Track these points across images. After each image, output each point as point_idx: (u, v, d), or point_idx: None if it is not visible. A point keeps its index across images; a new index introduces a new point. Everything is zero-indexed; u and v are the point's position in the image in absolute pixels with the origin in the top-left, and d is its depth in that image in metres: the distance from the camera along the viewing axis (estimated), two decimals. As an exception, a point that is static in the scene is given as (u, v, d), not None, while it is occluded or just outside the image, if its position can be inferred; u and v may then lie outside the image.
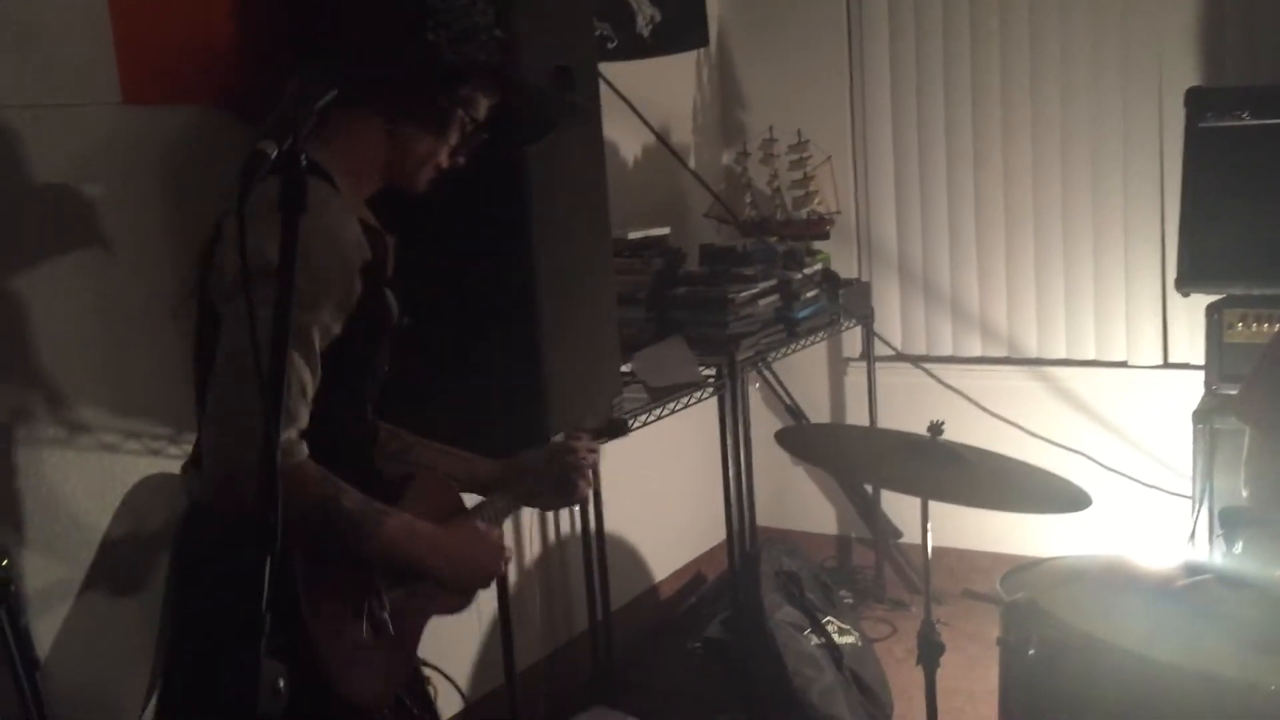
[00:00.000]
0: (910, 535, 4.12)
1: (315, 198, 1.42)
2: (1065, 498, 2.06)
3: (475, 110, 1.65)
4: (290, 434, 1.43)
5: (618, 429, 2.16)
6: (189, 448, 2.39)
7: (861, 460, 2.17)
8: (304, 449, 1.47)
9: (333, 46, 1.61)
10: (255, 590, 0.99)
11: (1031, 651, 1.95)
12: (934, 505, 2.11)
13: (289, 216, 1.08)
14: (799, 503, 4.41)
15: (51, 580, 2.17)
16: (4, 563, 1.77)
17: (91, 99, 2.20)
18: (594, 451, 2.03)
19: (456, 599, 1.77)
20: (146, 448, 2.33)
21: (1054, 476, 2.16)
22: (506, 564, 1.72)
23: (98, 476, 2.24)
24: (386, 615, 1.58)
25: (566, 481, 1.98)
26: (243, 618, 0.99)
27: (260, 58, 2.37)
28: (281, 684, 1.00)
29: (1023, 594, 2.00)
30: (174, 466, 2.38)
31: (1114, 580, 2.22)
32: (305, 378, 1.46)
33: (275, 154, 1.06)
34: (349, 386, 1.58)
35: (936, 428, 2.10)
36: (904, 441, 2.15)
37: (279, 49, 2.34)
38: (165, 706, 1.65)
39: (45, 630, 2.13)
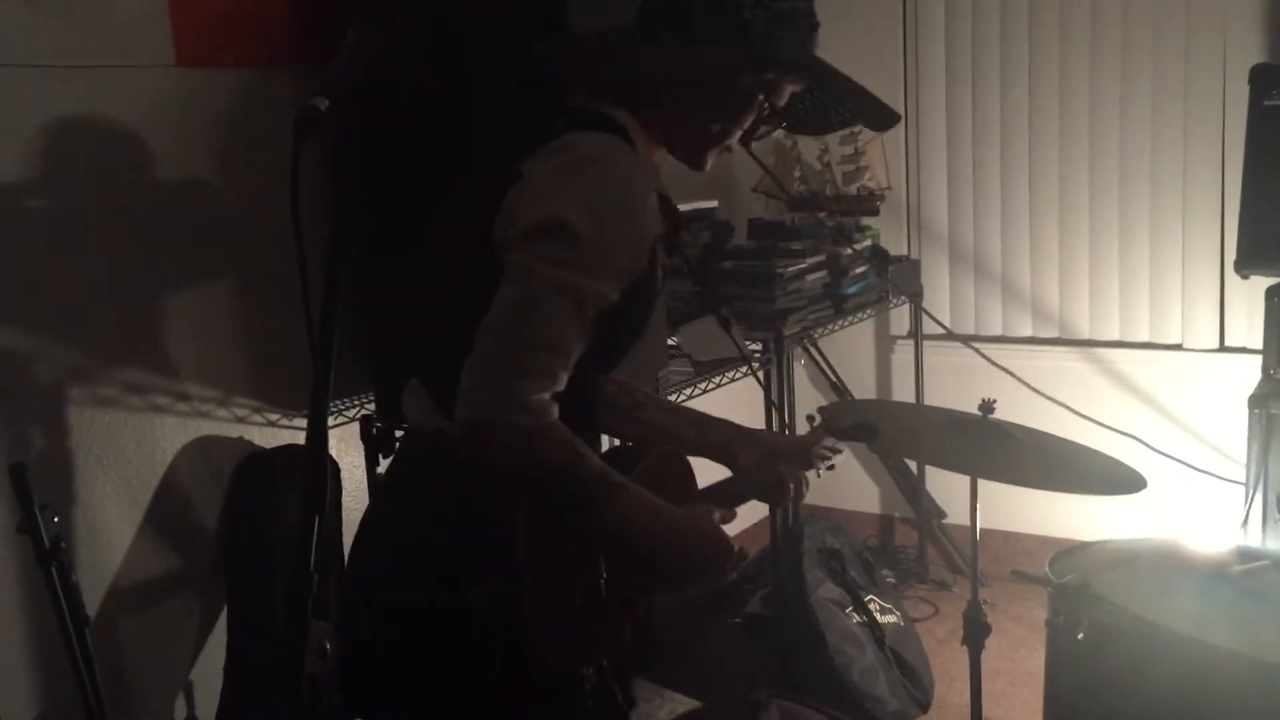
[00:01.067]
0: (954, 516, 4.08)
1: (622, 162, 1.43)
2: (1118, 479, 2.01)
3: (778, 97, 1.57)
4: (543, 394, 1.39)
5: (868, 434, 1.98)
6: (237, 410, 2.43)
7: (909, 436, 2.14)
8: (554, 410, 1.41)
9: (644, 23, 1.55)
10: (303, 551, 0.98)
11: (1081, 635, 1.92)
12: (981, 486, 2.08)
13: (341, 171, 1.06)
14: (842, 480, 4.37)
15: (100, 539, 2.19)
16: (55, 520, 1.79)
17: (146, 61, 2.21)
18: (839, 451, 1.92)
19: (674, 584, 1.64)
20: (195, 410, 2.35)
21: (1107, 457, 2.12)
22: (736, 562, 1.57)
23: (147, 437, 2.26)
24: (602, 583, 1.51)
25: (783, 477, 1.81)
26: (294, 577, 0.98)
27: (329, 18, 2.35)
28: (328, 645, 1.00)
29: (1073, 576, 1.97)
30: (221, 429, 2.41)
31: (1166, 564, 2.18)
32: (571, 343, 1.40)
33: (325, 107, 1.05)
34: (599, 353, 1.50)
35: (987, 405, 2.07)
36: (953, 419, 2.11)
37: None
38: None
39: (94, 587, 2.16)
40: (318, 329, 1.03)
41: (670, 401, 1.87)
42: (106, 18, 2.14)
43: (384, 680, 1.46)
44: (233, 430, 2.43)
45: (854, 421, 1.92)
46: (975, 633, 2.12)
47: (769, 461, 1.80)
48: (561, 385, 1.41)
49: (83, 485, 2.15)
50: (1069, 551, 2.24)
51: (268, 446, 2.47)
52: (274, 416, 2.49)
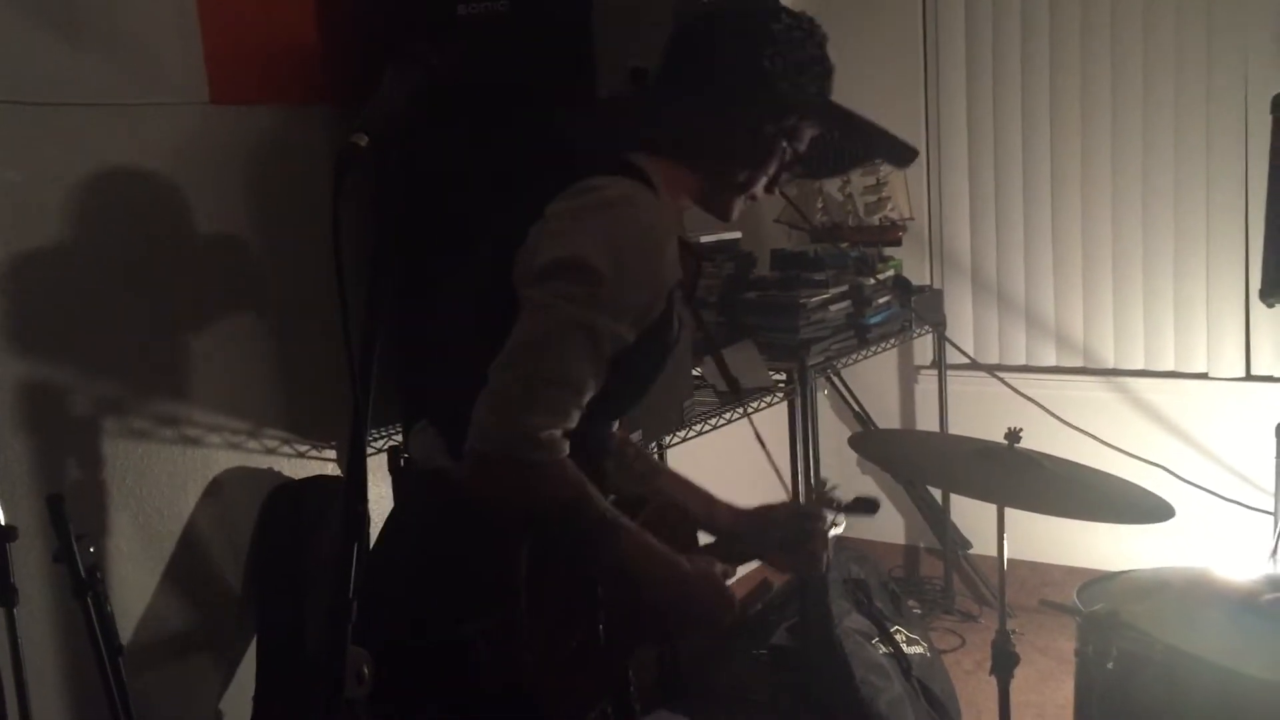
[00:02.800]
0: (980, 546, 4.06)
1: (643, 205, 1.45)
2: (1146, 508, 2.01)
3: (799, 142, 1.61)
4: (555, 431, 1.40)
5: (868, 507, 1.98)
6: (267, 441, 2.45)
7: (936, 466, 2.15)
8: (565, 447, 1.42)
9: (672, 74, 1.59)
10: (343, 578, 1.00)
11: (1111, 664, 1.91)
12: (1007, 516, 2.08)
13: (384, 209, 1.09)
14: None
15: (135, 568, 2.22)
16: (90, 550, 1.82)
17: (180, 99, 2.25)
18: (837, 525, 1.90)
19: (673, 630, 1.67)
20: (227, 441, 2.38)
21: (1134, 486, 2.12)
22: (730, 615, 1.56)
23: (180, 468, 2.29)
24: (601, 629, 1.51)
25: (801, 547, 1.80)
26: (332, 604, 1.00)
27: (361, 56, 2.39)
28: (366, 671, 1.01)
29: (1102, 605, 1.96)
30: (254, 460, 2.44)
31: (1195, 594, 2.17)
32: (586, 381, 1.42)
33: (365, 144, 1.08)
34: (611, 397, 1.50)
35: (1014, 435, 2.07)
36: (980, 448, 2.12)
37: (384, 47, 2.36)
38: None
39: (128, 617, 2.18)
40: (358, 360, 1.05)
41: (684, 478, 1.88)
42: (142, 57, 2.18)
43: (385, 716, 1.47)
44: (263, 462, 2.45)
45: (856, 496, 1.93)
46: (1004, 663, 2.11)
47: (790, 517, 1.83)
48: (573, 423, 1.42)
49: (116, 516, 2.18)
50: (1097, 581, 2.23)
51: (297, 478, 2.50)
52: (303, 448, 2.52)
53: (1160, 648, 1.88)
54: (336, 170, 1.05)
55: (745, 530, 1.81)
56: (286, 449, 2.49)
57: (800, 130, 1.59)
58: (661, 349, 1.53)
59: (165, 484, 2.27)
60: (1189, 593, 2.14)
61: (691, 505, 1.80)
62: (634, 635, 1.58)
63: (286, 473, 2.50)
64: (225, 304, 2.37)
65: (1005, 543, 2.12)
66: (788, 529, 1.81)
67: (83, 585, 1.78)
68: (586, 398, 1.43)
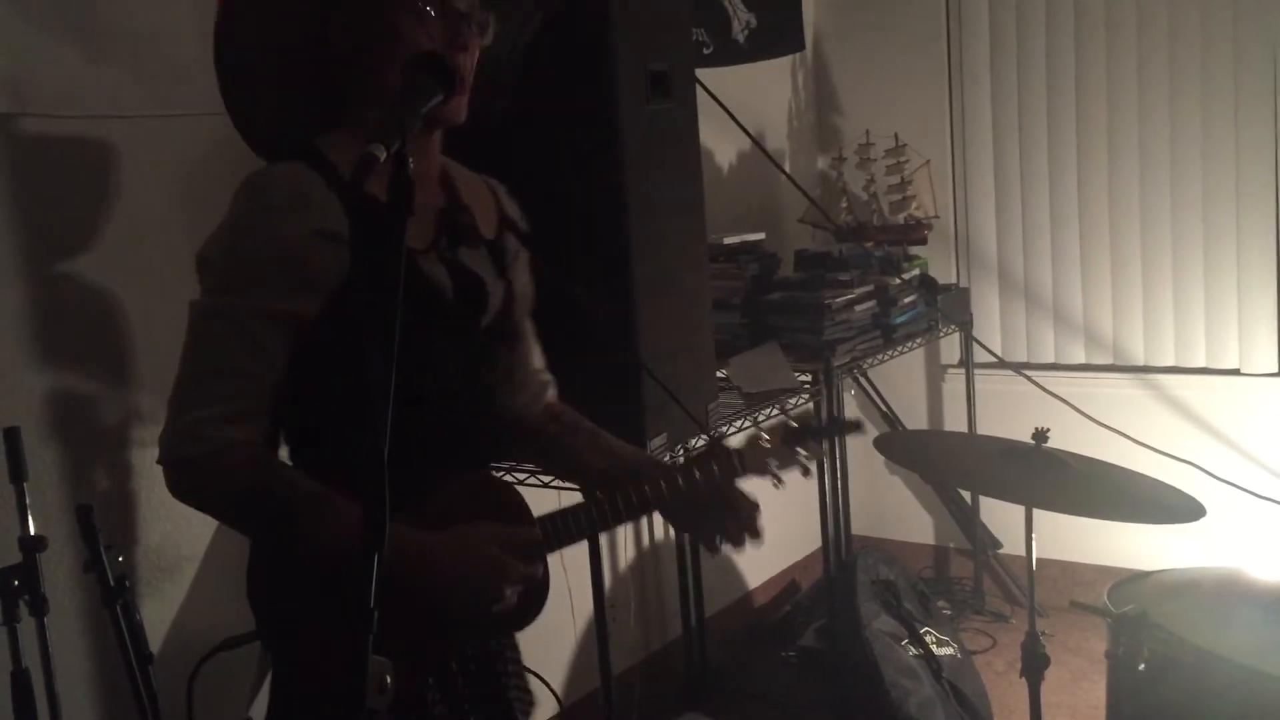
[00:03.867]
0: (1010, 546, 4.03)
1: (265, 179, 1.46)
2: (1176, 507, 1.99)
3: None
4: (220, 423, 1.38)
5: (842, 429, 1.73)
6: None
7: (963, 467, 2.13)
8: (235, 435, 1.38)
9: None
10: (364, 586, 1.00)
11: (1142, 666, 1.89)
12: (1037, 515, 2.06)
13: (396, 218, 1.09)
14: (894, 511, 4.35)
15: (163, 577, 2.23)
16: (120, 560, 1.83)
17: (202, 109, 2.26)
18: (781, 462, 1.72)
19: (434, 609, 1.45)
20: (253, 449, 2.39)
21: (1165, 485, 2.10)
22: (511, 590, 1.43)
23: (207, 477, 2.30)
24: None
25: (719, 510, 1.66)
26: (351, 614, 1.00)
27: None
28: (388, 680, 1.02)
29: (1133, 606, 1.94)
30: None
31: (1227, 594, 2.15)
32: (241, 362, 1.38)
33: (384, 156, 1.08)
34: (340, 371, 1.38)
35: (1041, 434, 2.06)
36: (1008, 448, 2.10)
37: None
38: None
39: (156, 625, 2.20)
40: (379, 368, 1.05)
41: (593, 428, 1.77)
42: (165, 68, 2.20)
43: None
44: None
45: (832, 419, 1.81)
46: (1034, 665, 2.10)
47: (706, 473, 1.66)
48: (248, 410, 1.39)
49: (144, 526, 2.20)
50: (1127, 581, 2.21)
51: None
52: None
53: (1191, 650, 1.86)
54: (354, 178, 1.06)
55: (611, 479, 1.63)
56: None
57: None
58: (373, 305, 1.20)
59: (193, 492, 2.28)
60: (1220, 593, 2.12)
61: (592, 460, 1.71)
62: (402, 628, 1.35)
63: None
64: (250, 313, 2.38)
65: (1034, 543, 2.10)
66: (713, 478, 1.66)
67: (112, 594, 1.79)
68: (258, 380, 1.40)
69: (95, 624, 2.05)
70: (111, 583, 1.80)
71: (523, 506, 1.57)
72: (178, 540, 2.25)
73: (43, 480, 2.01)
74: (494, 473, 1.67)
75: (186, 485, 1.43)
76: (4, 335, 1.99)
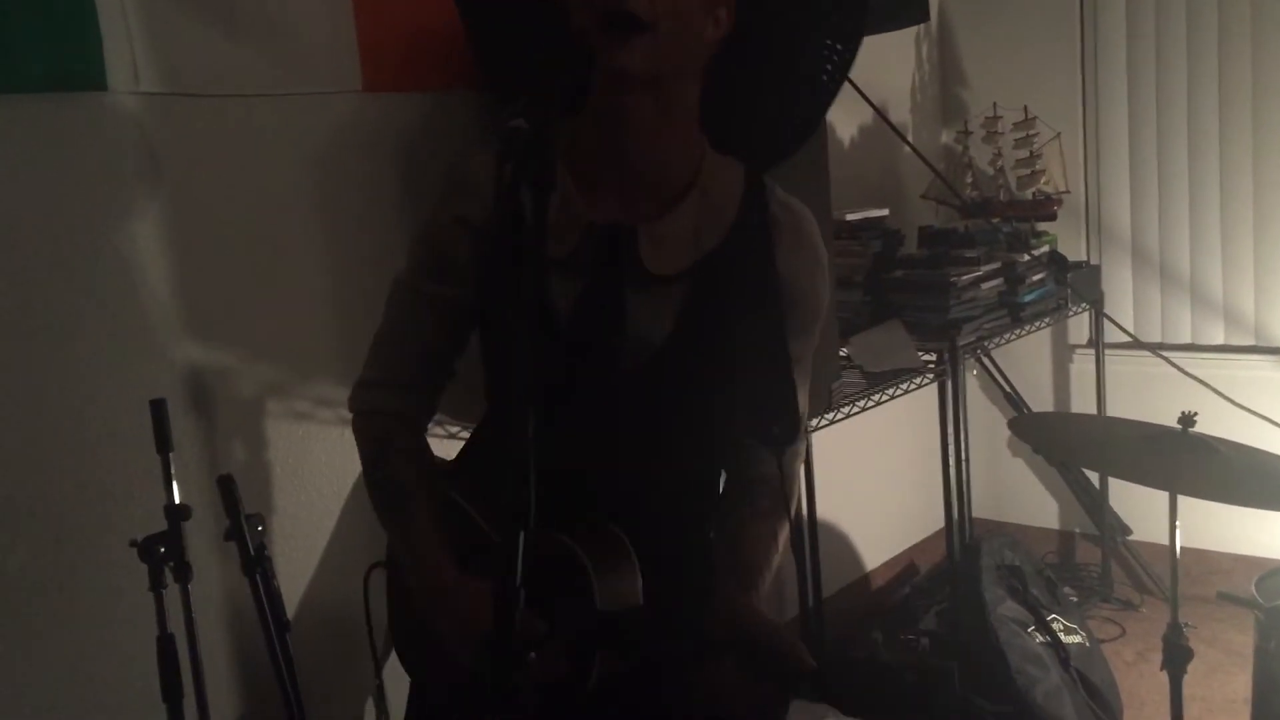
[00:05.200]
0: (1139, 533, 3.90)
1: (460, 160, 1.43)
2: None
3: None
4: (375, 385, 1.50)
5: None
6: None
7: (1105, 451, 2.06)
8: (382, 402, 1.48)
9: None
10: (509, 564, 0.99)
11: (1296, 661, 1.80)
12: (1162, 499, 1.98)
13: (540, 193, 1.07)
14: (1016, 494, 4.24)
15: (296, 547, 2.29)
16: (260, 529, 1.87)
17: (334, 87, 2.30)
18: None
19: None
20: (382, 423, 2.43)
21: (1321, 474, 1.99)
22: (466, 644, 1.29)
23: (338, 449, 2.35)
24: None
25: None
26: (498, 590, 1.00)
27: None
28: (533, 656, 1.01)
29: (1287, 599, 1.85)
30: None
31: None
32: (405, 330, 1.48)
33: (524, 129, 1.06)
34: (495, 369, 1.48)
35: (1188, 419, 1.97)
36: (1151, 433, 2.02)
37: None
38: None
39: (291, 593, 2.25)
40: (522, 345, 1.05)
41: (764, 544, 1.42)
42: (300, 48, 2.23)
43: None
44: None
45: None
46: (1176, 658, 2.02)
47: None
48: (400, 380, 1.47)
49: (279, 495, 2.25)
50: (1275, 573, 2.11)
51: (449, 458, 2.53)
52: (454, 429, 2.55)
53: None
54: (502, 156, 1.04)
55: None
56: (439, 430, 2.53)
57: None
58: (503, 311, 1.20)
59: (324, 465, 2.33)
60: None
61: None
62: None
63: (439, 453, 2.53)
64: (380, 289, 2.41)
65: (1177, 532, 2.02)
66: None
67: (252, 563, 1.83)
68: (413, 354, 1.47)
69: (235, 591, 2.11)
70: (252, 551, 1.84)
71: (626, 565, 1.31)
72: (309, 510, 2.30)
73: (184, 451, 2.06)
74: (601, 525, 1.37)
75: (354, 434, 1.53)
76: (150, 311, 2.05)
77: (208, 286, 2.13)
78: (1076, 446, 2.18)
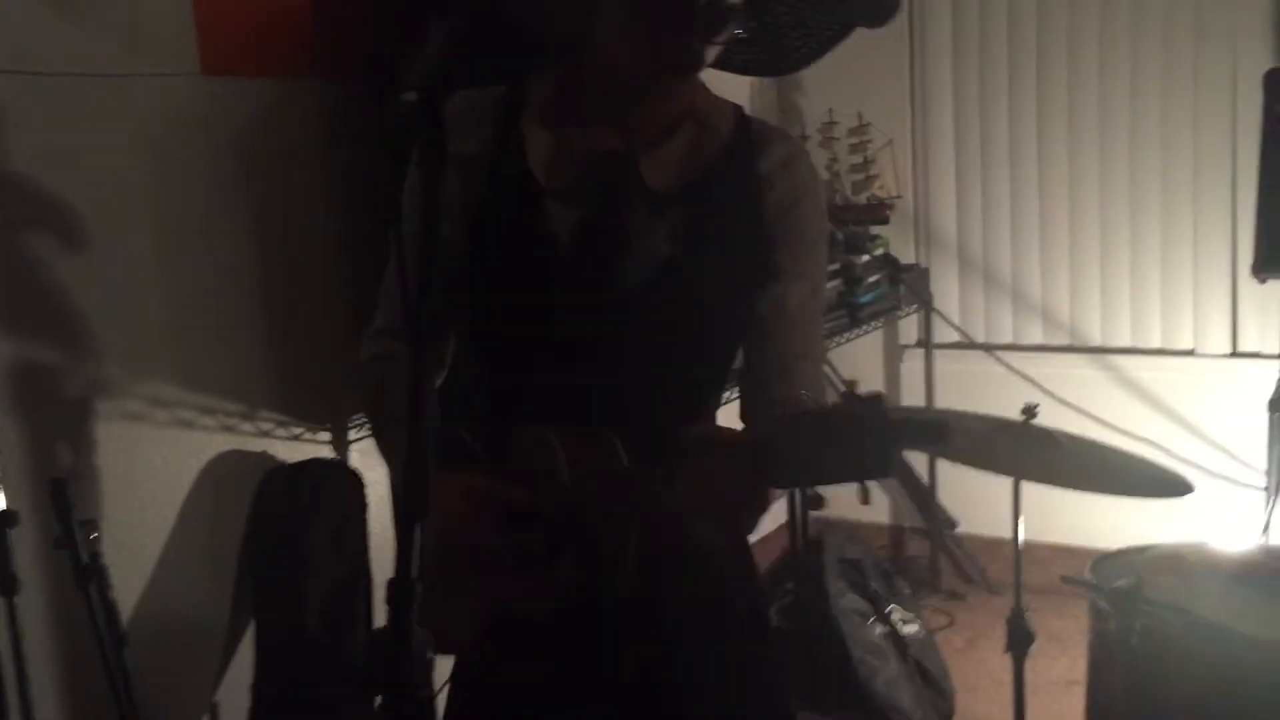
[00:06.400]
0: (967, 525, 4.06)
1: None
2: (1165, 482, 2.01)
3: None
4: (375, 334, 1.46)
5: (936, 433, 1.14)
6: (262, 424, 2.38)
7: (954, 441, 2.12)
8: (379, 347, 1.45)
9: None
10: (404, 558, 0.95)
11: (1135, 640, 1.90)
12: (987, 492, 2.06)
13: (430, 169, 1.03)
14: (849, 491, 4.34)
15: (129, 555, 2.15)
16: (93, 537, 1.75)
17: (171, 69, 2.17)
18: None
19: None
20: (220, 424, 2.31)
21: (1150, 462, 2.11)
22: (480, 516, 1.26)
23: (174, 451, 2.22)
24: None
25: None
26: (392, 585, 0.95)
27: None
28: (431, 655, 0.97)
29: (1125, 580, 1.95)
30: (247, 443, 2.37)
31: (1206, 567, 2.19)
32: (388, 283, 1.45)
33: (414, 100, 1.02)
34: (484, 313, 1.42)
35: (1030, 410, 2.05)
36: (998, 424, 2.09)
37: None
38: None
39: (125, 602, 2.11)
40: (416, 328, 1.00)
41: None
42: (132, 27, 2.11)
43: None
44: (257, 445, 2.38)
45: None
46: (1020, 640, 2.10)
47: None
48: (398, 324, 1.40)
49: (110, 500, 2.11)
50: (1107, 558, 2.23)
51: (292, 460, 2.43)
52: (298, 431, 2.45)
53: (1183, 620, 1.88)
54: (395, 130, 1.00)
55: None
56: (281, 431, 2.43)
57: None
58: (501, 244, 1.35)
59: (159, 468, 2.20)
60: (1200, 566, 2.15)
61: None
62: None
63: (281, 456, 2.43)
64: (218, 283, 2.30)
65: (1021, 522, 2.11)
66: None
67: (85, 573, 1.72)
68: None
69: (65, 603, 1.96)
70: (85, 560, 1.72)
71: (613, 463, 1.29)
72: (142, 516, 2.17)
73: (10, 453, 1.91)
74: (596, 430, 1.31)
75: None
76: (-36, 301, 1.90)
77: (33, 276, 1.98)
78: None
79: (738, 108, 1.47)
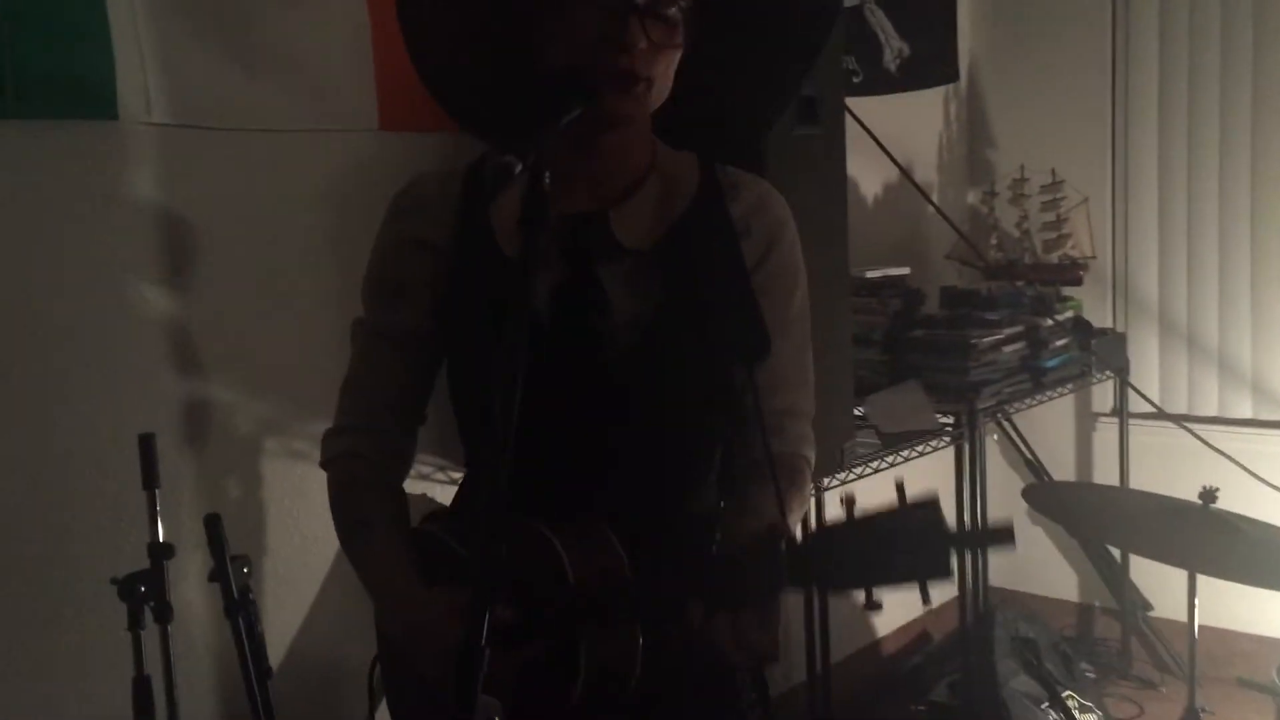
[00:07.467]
0: (1161, 609, 3.79)
1: (412, 184, 1.44)
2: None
3: None
4: (338, 434, 1.46)
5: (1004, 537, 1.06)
6: (423, 468, 2.44)
7: (1121, 525, 1.98)
8: (344, 446, 1.45)
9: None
10: (475, 625, 0.95)
11: (1319, 755, 1.71)
12: (1184, 575, 1.91)
13: (530, 229, 1.05)
14: (1035, 564, 4.13)
15: (287, 591, 2.23)
16: (245, 571, 1.82)
17: (350, 125, 2.28)
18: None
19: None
20: (382, 466, 2.38)
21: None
22: (433, 669, 1.21)
23: (335, 492, 2.30)
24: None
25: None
26: (463, 650, 0.95)
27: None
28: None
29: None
30: (407, 485, 2.43)
31: None
32: (359, 374, 1.47)
33: (519, 169, 1.04)
34: (463, 397, 1.42)
35: (1209, 494, 1.90)
36: (1171, 506, 1.95)
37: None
38: None
39: (279, 639, 2.20)
40: (501, 397, 1.01)
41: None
42: (318, 86, 2.22)
43: None
44: (416, 488, 2.44)
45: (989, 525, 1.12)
46: (1192, 743, 1.93)
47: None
48: (365, 423, 1.44)
49: (272, 537, 2.20)
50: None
51: (449, 504, 2.48)
52: (457, 475, 2.50)
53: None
54: (490, 188, 1.03)
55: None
56: (440, 475, 2.49)
57: None
58: (466, 323, 1.34)
59: (321, 507, 2.27)
60: None
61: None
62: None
63: (440, 499, 2.49)
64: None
65: (1196, 611, 1.94)
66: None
67: (235, 605, 1.79)
68: (373, 394, 1.44)
69: (218, 634, 2.06)
70: (235, 594, 1.79)
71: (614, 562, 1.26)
72: (302, 554, 2.25)
73: (176, 487, 2.03)
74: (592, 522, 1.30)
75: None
76: (147, 344, 2.03)
77: (210, 321, 2.10)
78: (1092, 518, 2.11)
79: (700, 156, 1.43)
